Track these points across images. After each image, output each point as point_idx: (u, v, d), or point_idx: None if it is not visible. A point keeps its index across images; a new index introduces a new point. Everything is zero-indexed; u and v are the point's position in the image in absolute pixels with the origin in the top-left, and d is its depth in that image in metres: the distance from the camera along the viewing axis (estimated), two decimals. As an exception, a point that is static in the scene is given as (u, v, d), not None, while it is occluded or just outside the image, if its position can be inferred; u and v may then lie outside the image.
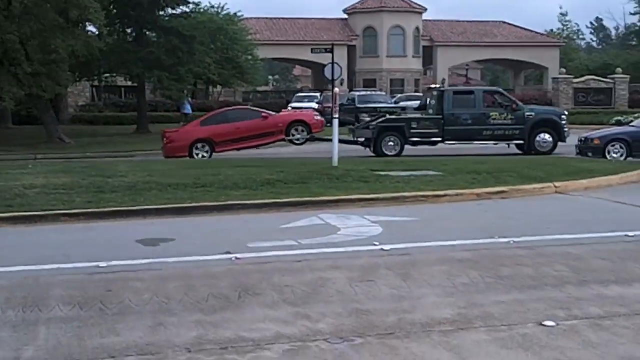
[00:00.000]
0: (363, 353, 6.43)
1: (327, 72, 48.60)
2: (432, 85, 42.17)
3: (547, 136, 28.63)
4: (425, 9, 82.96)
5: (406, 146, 28.49)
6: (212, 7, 60.63)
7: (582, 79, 62.33)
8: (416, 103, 68.01)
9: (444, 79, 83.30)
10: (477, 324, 7.19)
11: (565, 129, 29.18)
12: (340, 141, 30.72)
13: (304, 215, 13.36)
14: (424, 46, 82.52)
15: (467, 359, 6.32)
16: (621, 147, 24.02)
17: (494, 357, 6.38)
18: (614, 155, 23.77)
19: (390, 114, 32.90)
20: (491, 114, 29.10)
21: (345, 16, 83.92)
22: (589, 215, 13.74)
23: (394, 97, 69.41)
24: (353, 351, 6.47)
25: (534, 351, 6.48)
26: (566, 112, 31.92)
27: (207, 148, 27.41)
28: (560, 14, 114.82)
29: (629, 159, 23.54)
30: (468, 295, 8.20)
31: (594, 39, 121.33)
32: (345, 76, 76.50)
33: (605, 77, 62.11)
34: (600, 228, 12.10)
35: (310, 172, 17.97)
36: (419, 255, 10.21)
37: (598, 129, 29.45)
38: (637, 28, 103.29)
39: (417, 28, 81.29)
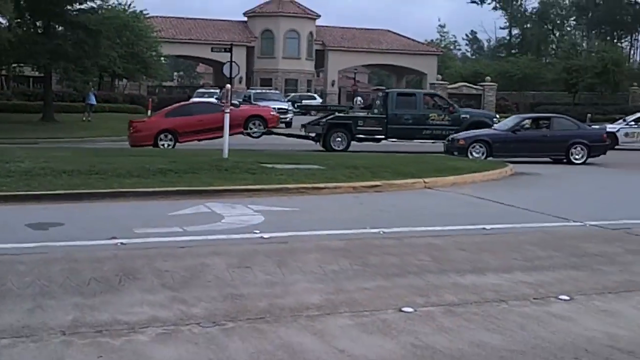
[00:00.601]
0: (233, 337, 6.24)
1: (226, 70, 48.57)
2: (378, 87, 42.60)
3: None
4: (319, 16, 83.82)
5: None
6: (119, 4, 59.68)
7: (456, 85, 63.58)
8: (308, 101, 68.96)
9: (333, 81, 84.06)
10: (342, 310, 7.09)
11: None
12: (293, 135, 31.12)
13: (192, 203, 13.04)
14: (316, 50, 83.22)
15: (330, 343, 6.19)
16: (481, 147, 24.52)
17: (355, 341, 6.27)
18: (476, 155, 24.28)
19: (339, 112, 32.80)
20: (430, 115, 29.74)
21: (246, 19, 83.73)
22: (452, 209, 13.88)
23: (288, 95, 70.01)
24: (224, 335, 6.28)
25: (392, 336, 6.41)
26: (497, 116, 32.86)
27: (170, 138, 27.24)
28: (439, 25, 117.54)
29: (490, 158, 24.00)
30: (337, 282, 8.11)
31: (469, 49, 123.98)
32: (244, 75, 76.57)
33: (476, 84, 63.43)
34: (462, 221, 12.19)
35: (201, 163, 17.59)
36: (296, 243, 10.09)
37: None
38: (506, 41, 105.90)
39: (311, 33, 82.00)
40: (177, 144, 27.19)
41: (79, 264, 8.48)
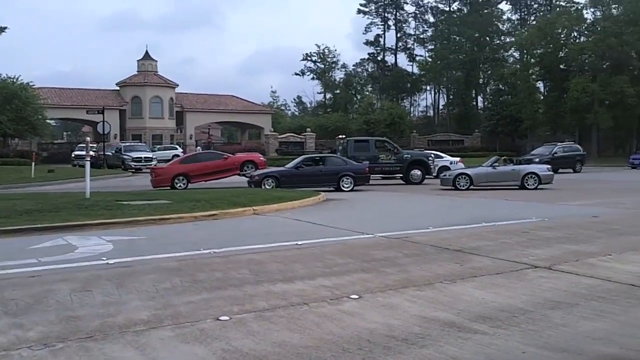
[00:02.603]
0: (60, 356, 5.24)
1: (100, 128, 46.33)
2: (340, 136, 41.63)
3: (418, 172, 29.28)
4: (177, 85, 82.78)
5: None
6: (9, 77, 56.20)
7: (284, 135, 63.87)
8: (170, 152, 67.41)
9: (191, 135, 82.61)
10: (166, 323, 6.20)
11: (432, 167, 30.07)
12: None
13: (52, 237, 11.66)
14: (177, 111, 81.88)
15: (150, 354, 5.32)
16: (272, 182, 24.16)
17: (173, 351, 5.42)
18: (268, 186, 23.84)
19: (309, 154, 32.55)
20: (380, 156, 29.46)
21: (118, 88, 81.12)
22: (274, 229, 13.17)
23: (155, 147, 68.41)
24: (52, 356, 5.26)
25: (206, 343, 5.60)
26: (432, 155, 32.39)
27: (184, 180, 26.44)
28: (272, 91, 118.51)
29: (277, 188, 23.45)
30: (166, 298, 7.19)
31: (297, 109, 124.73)
32: (118, 132, 74.15)
33: (300, 134, 63.70)
34: (281, 239, 11.52)
35: (65, 203, 16.06)
36: (137, 266, 9.06)
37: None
38: (322, 103, 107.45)
39: (172, 98, 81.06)
40: (190, 184, 26.49)
41: None
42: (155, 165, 46.33)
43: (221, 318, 6.34)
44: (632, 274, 8.27)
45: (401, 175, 29.86)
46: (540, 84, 74.89)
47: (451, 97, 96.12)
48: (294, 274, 8.49)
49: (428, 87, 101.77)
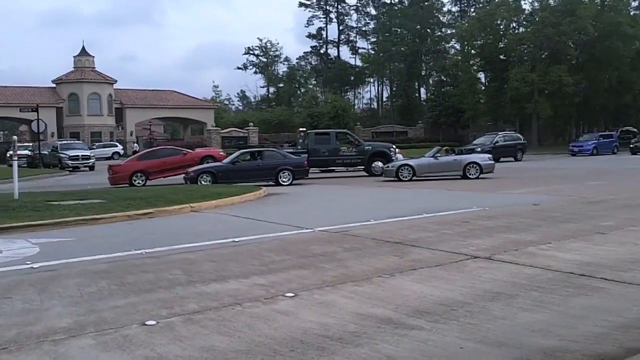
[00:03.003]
0: (-35, 372, 4.84)
1: (34, 127, 44.82)
2: (301, 129, 40.74)
3: (379, 163, 28.67)
4: (116, 81, 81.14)
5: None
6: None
7: (227, 130, 63.08)
8: (109, 150, 66.04)
9: (131, 132, 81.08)
10: (89, 330, 5.83)
11: (394, 158, 29.19)
12: None
13: (-26, 242, 11.06)
14: (116, 108, 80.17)
15: (66, 366, 4.96)
16: (207, 177, 23.51)
17: (91, 360, 5.07)
18: (204, 182, 23.15)
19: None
20: (341, 148, 29.06)
21: (54, 85, 78.82)
22: (211, 227, 12.80)
23: (94, 145, 67.01)
24: (-44, 372, 4.85)
25: (129, 350, 5.26)
26: (393, 146, 31.70)
27: (142, 177, 25.71)
28: (214, 86, 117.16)
29: (215, 184, 22.89)
30: (91, 303, 6.80)
31: (241, 104, 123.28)
32: (55, 130, 72.19)
33: (243, 129, 63.04)
34: (217, 236, 11.17)
35: (-10, 206, 15.29)
36: (63, 270, 8.61)
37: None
38: (266, 97, 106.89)
39: (110, 94, 79.50)
40: (148, 181, 25.72)
41: None
42: (93, 163, 45.49)
43: (148, 323, 6.01)
44: (571, 262, 8.24)
45: (363, 167, 29.60)
46: (481, 75, 75.96)
47: (394, 89, 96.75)
48: (228, 273, 8.18)
49: (371, 80, 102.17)
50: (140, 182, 25.59)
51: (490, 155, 26.87)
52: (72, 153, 45.55)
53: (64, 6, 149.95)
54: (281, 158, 25.09)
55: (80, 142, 53.54)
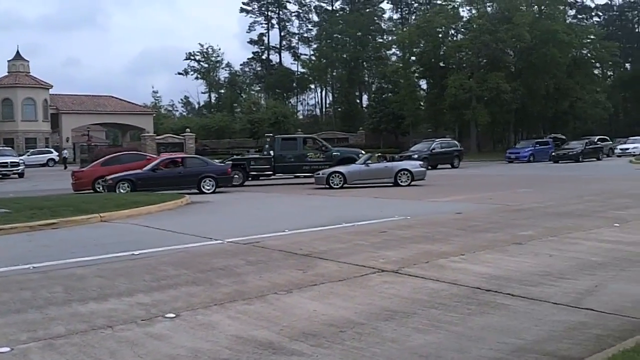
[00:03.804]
0: None
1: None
2: (268, 135, 39.39)
3: None
4: (52, 86, 79.04)
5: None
6: None
7: (163, 136, 61.88)
8: (44, 157, 64.03)
9: (68, 138, 78.92)
10: None
11: None
12: None
13: None
14: (52, 113, 77.99)
15: None
16: (127, 186, 22.46)
17: None
18: (123, 190, 22.06)
19: (237, 155, 31.15)
20: (308, 154, 28.18)
21: (-14, 90, 76.19)
22: (115, 238, 11.97)
23: (28, 151, 65.10)
24: None
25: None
26: (362, 152, 30.61)
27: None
28: (153, 91, 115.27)
29: (135, 192, 21.82)
30: (-56, 328, 6.06)
31: (184, 110, 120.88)
32: (-15, 136, 70.07)
33: (180, 135, 61.88)
34: (118, 249, 10.44)
35: None
36: None
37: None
38: (207, 102, 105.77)
39: (46, 99, 77.58)
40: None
41: None
42: (22, 170, 43.71)
43: (1, 350, 5.32)
44: (480, 276, 7.86)
45: None
46: (422, 82, 76.57)
47: (336, 95, 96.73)
48: (112, 291, 7.52)
49: (313, 86, 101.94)
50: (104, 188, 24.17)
51: (422, 162, 26.69)
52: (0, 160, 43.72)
53: (6, 9, 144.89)
54: (204, 165, 24.24)
55: (8, 148, 51.42)
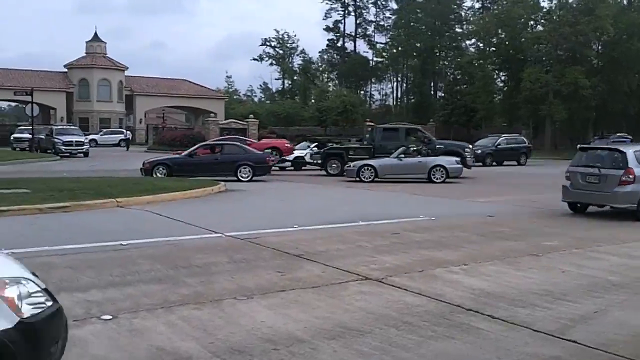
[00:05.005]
0: None
1: (28, 111, 44.27)
2: (369, 124, 39.68)
3: None
4: (127, 67, 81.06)
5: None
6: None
7: (227, 121, 62.01)
8: (116, 137, 65.56)
9: (141, 119, 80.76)
10: None
11: (468, 158, 27.52)
12: (309, 163, 30.09)
13: None
14: (126, 95, 79.80)
15: None
16: (163, 169, 22.20)
17: None
18: (159, 174, 21.86)
19: (336, 143, 30.39)
20: (410, 146, 26.58)
21: (66, 70, 78.71)
22: (116, 226, 11.62)
23: (101, 131, 67.00)
24: None
25: None
26: (470, 146, 29.91)
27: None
28: (227, 77, 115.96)
29: (171, 177, 21.57)
30: None
31: (263, 95, 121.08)
32: (65, 115, 72.27)
33: (243, 121, 62.03)
34: (109, 237, 10.07)
35: None
36: None
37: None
38: (281, 89, 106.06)
39: (121, 81, 79.38)
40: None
41: None
42: (87, 149, 44.73)
43: None
44: (470, 291, 7.09)
45: None
46: (500, 75, 74.07)
47: (409, 85, 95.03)
48: (71, 284, 7.20)
49: (386, 75, 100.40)
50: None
51: (458, 159, 25.19)
52: (65, 138, 44.84)
53: None
54: (242, 152, 23.72)
55: (75, 127, 52.65)
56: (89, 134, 58.86)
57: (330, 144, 30.17)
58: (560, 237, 10.91)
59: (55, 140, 45.06)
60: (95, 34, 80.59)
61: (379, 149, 27.30)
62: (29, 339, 3.61)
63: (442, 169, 23.59)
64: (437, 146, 27.72)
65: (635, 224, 12.80)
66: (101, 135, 67.53)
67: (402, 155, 24.03)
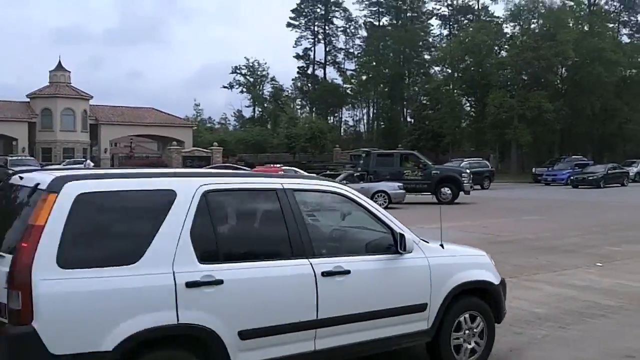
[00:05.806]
0: None
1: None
2: (362, 149, 38.72)
3: (448, 190, 26.49)
4: (92, 97, 79.49)
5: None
6: None
7: (189, 149, 61.47)
8: (78, 167, 64.27)
9: (106, 149, 79.63)
10: None
11: (466, 183, 26.91)
12: None
13: None
14: (91, 124, 78.47)
15: None
16: None
17: None
18: None
19: (330, 170, 29.85)
20: (405, 171, 26.80)
21: (28, 100, 77.50)
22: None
23: (64, 161, 65.95)
24: None
25: None
26: (467, 171, 29.34)
27: None
28: (195, 104, 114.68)
29: None
30: None
31: (237, 123, 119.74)
32: (27, 145, 71.03)
33: (207, 149, 61.38)
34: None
35: None
36: None
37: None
38: (252, 116, 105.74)
39: (85, 110, 77.81)
40: None
41: None
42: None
43: None
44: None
45: (429, 193, 26.89)
46: (466, 100, 74.45)
47: (379, 111, 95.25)
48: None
49: (355, 102, 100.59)
50: None
51: (400, 184, 24.82)
52: (19, 169, 43.72)
53: (74, 23, 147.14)
54: None
55: (31, 158, 51.74)
56: (50, 164, 57.76)
57: (326, 171, 29.70)
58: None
59: (9, 171, 43.96)
60: (60, 63, 79.46)
61: (373, 175, 26.68)
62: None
63: (384, 195, 23.19)
64: (433, 172, 27.16)
65: (580, 251, 12.32)
66: (63, 165, 66.28)
67: (345, 182, 23.47)
